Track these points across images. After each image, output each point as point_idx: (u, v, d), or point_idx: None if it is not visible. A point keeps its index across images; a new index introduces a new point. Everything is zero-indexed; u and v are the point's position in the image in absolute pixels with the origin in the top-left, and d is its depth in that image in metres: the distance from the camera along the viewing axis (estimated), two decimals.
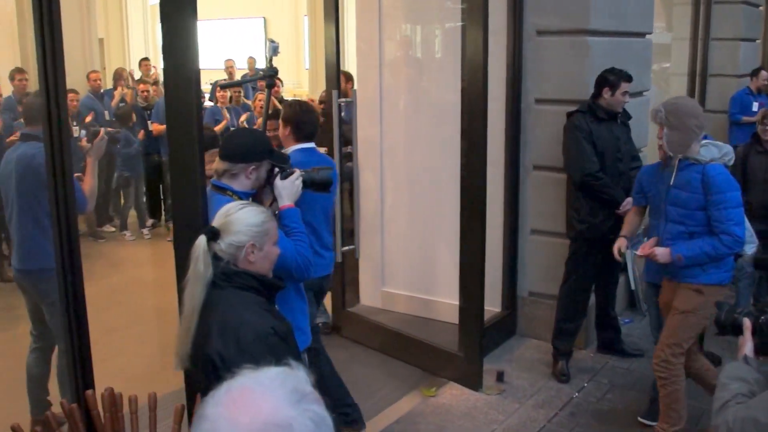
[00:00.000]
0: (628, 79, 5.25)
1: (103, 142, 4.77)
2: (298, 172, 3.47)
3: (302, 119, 4.49)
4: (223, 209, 2.71)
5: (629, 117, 5.47)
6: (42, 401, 4.81)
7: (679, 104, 4.28)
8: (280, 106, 9.35)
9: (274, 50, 4.26)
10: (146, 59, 12.70)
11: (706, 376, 4.52)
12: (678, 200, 4.26)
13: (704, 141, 4.26)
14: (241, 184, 3.39)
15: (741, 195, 4.25)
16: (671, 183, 4.27)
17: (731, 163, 4.35)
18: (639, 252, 4.49)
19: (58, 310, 4.58)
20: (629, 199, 5.16)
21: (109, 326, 6.08)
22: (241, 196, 3.34)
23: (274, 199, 3.48)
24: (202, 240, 2.58)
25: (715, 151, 4.22)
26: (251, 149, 3.43)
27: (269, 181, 3.46)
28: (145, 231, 9.76)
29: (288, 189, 3.42)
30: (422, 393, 5.25)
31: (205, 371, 2.49)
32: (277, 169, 3.45)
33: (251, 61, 14.43)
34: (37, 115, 4.50)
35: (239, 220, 2.64)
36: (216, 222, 2.68)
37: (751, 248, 4.61)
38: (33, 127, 4.65)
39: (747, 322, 2.51)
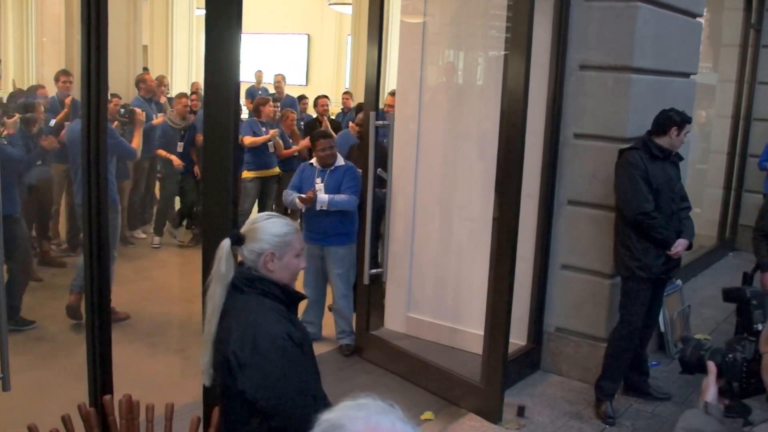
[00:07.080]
0: (690, 120, 5.23)
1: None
2: None
3: None
4: (251, 217, 2.83)
5: (681, 158, 5.40)
6: None
7: None
8: (327, 125, 9.36)
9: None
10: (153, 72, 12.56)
11: None
12: None
13: None
14: None
15: None
16: None
17: None
18: None
19: None
20: (681, 241, 5.14)
21: (131, 332, 6.09)
22: None
23: None
24: (226, 242, 2.69)
25: None
26: None
27: None
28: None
29: None
30: (419, 418, 5.13)
31: (221, 372, 2.61)
32: None
33: (259, 74, 14.53)
34: None
35: (263, 228, 2.72)
36: (243, 228, 2.77)
37: None
38: None
39: (712, 366, 2.21)
